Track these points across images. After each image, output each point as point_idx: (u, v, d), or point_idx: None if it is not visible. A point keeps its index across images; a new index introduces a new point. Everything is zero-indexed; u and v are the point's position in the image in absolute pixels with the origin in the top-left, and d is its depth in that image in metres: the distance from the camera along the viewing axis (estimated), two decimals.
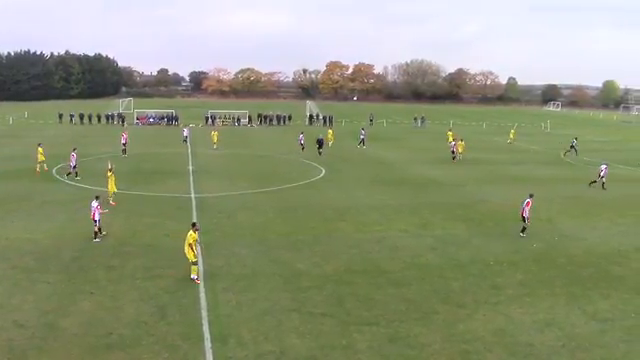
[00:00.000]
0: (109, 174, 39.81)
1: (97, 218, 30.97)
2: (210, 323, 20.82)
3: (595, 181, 50.07)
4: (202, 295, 23.50)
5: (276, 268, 27.04)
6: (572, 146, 74.19)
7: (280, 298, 23.47)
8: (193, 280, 25.01)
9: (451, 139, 74.58)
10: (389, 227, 35.05)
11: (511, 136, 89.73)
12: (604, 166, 50.48)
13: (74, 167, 48.29)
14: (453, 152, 66.71)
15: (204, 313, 21.73)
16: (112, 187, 39.54)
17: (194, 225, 26.22)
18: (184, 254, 25.56)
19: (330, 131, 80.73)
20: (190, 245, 25.31)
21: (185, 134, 78.54)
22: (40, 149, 51.70)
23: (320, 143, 67.21)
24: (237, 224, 35.03)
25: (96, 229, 31.13)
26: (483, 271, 27.46)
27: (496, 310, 22.88)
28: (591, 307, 23.50)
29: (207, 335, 19.84)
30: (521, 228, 33.63)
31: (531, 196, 33.74)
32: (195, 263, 25.38)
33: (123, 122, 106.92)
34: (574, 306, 23.54)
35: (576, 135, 79.74)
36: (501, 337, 20.42)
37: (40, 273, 25.64)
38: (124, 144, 64.24)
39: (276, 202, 41.17)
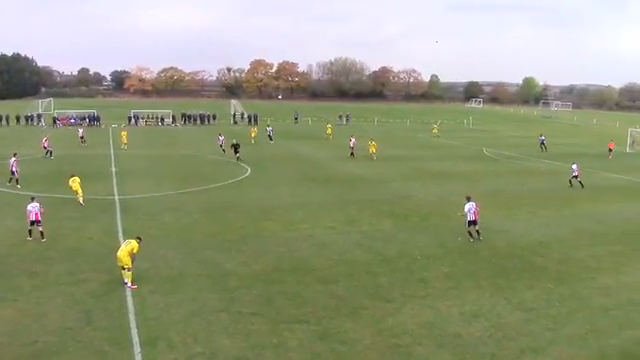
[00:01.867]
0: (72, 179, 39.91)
1: (40, 219, 30.75)
2: (138, 327, 20.47)
3: (575, 180, 50.24)
4: (129, 299, 23.10)
5: (203, 269, 26.80)
6: (542, 143, 76.20)
7: (208, 299, 23.27)
8: (126, 285, 24.29)
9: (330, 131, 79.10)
10: (316, 224, 35.18)
11: (435, 130, 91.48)
12: (575, 166, 50.72)
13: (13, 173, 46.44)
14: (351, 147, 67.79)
15: (131, 317, 21.36)
16: (77, 187, 39.50)
17: (140, 239, 25.62)
18: (117, 259, 24.69)
19: (254, 129, 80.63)
20: (131, 254, 24.62)
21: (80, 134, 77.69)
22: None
23: (236, 147, 62.76)
24: (163, 225, 34.58)
25: (41, 229, 30.76)
26: (410, 265, 27.80)
27: (424, 303, 23.18)
28: (516, 297, 24.05)
29: (135, 339, 19.49)
30: (476, 232, 32.39)
31: (469, 199, 32.97)
32: (130, 269, 24.66)
33: (39, 123, 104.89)
34: (500, 297, 24.05)
35: (541, 132, 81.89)
36: (430, 329, 20.71)
37: None
38: (45, 147, 63.55)
39: (202, 202, 40.83)
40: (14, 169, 46.54)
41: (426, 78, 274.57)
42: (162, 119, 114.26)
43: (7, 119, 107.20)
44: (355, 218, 37.04)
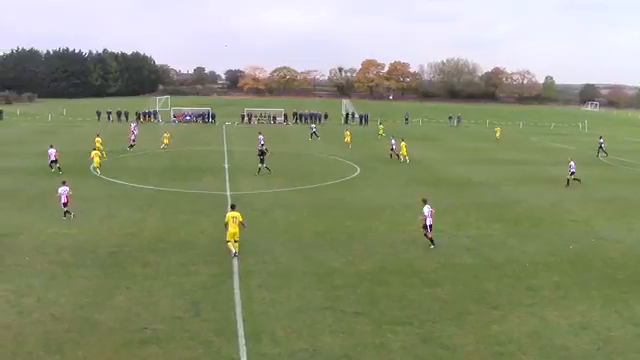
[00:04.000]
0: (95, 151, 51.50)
1: (66, 201, 34.60)
2: (244, 320, 20.87)
3: (575, 179, 49.62)
4: (236, 292, 23.58)
5: (310, 266, 27.06)
6: (600, 147, 73.21)
7: (314, 296, 23.47)
8: (236, 256, 27.45)
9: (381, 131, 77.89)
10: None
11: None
12: (572, 163, 50.20)
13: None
14: (392, 149, 64.31)
15: (238, 310, 21.80)
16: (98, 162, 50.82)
17: (234, 206, 29.30)
18: (232, 235, 27.81)
19: (348, 132, 79.30)
20: (240, 225, 28.12)
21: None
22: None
23: (262, 154, 54.32)
24: (272, 222, 35.13)
25: (65, 210, 34.47)
26: (518, 272, 27.13)
27: (531, 312, 22.58)
28: (628, 311, 23.06)
29: (241, 332, 19.89)
30: (428, 238, 30.82)
31: (425, 201, 31.35)
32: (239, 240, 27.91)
33: (156, 119, 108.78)
34: (610, 309, 23.12)
35: (601, 134, 78.42)
36: (536, 339, 20.15)
37: (77, 268, 25.96)
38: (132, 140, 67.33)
39: (311, 200, 41.21)
40: (53, 158, 50.97)
41: (540, 80, 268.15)
42: (274, 118, 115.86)
43: (126, 115, 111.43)
44: (463, 222, 36.49)
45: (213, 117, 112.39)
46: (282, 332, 19.97)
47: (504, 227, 35.51)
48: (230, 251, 27.76)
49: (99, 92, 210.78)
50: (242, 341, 19.18)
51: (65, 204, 34.74)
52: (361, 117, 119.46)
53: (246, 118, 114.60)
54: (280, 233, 32.66)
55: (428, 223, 30.70)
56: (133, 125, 76.59)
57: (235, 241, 27.99)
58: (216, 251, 28.51)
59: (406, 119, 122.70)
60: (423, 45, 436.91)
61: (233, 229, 27.93)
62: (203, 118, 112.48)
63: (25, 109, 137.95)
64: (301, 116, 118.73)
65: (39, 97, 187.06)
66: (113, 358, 17.98)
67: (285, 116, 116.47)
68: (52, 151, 50.02)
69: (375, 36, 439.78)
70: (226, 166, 56.18)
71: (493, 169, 58.39)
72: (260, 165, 52.27)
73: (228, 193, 42.63)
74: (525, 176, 54.99)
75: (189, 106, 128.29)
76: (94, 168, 51.09)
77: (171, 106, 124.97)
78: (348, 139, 74.47)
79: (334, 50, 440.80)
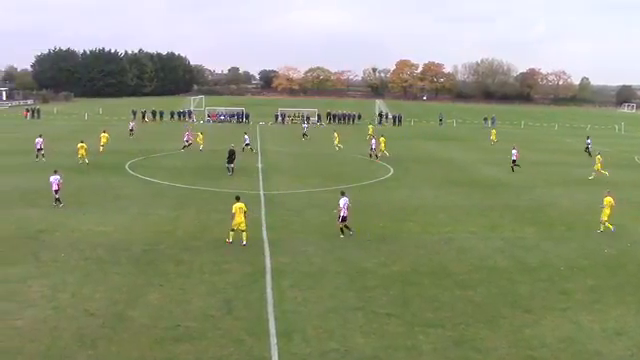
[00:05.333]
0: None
1: (57, 189, 36.98)
2: (276, 319, 20.95)
3: (516, 165, 56.95)
4: (268, 291, 23.68)
5: (342, 266, 27.06)
6: (586, 148, 72.08)
7: (346, 296, 23.47)
8: (244, 245, 29.24)
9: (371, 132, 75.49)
10: (457, 228, 34.68)
11: (336, 141, 78.25)
12: (514, 151, 57.81)
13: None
14: (372, 149, 64.10)
15: (270, 309, 21.88)
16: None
17: (239, 197, 30.51)
18: (237, 225, 29.43)
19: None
20: (246, 215, 29.64)
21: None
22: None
23: (230, 155, 51.57)
24: (305, 222, 35.21)
25: (57, 196, 36.98)
26: (552, 276, 26.83)
27: (564, 316, 22.32)
28: None
29: (272, 331, 19.97)
30: (341, 229, 32.06)
31: (343, 193, 32.92)
32: (246, 230, 29.51)
33: (190, 119, 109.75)
34: None
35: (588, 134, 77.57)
36: (569, 344, 19.90)
37: (111, 265, 26.28)
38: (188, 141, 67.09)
39: None
40: (39, 146, 55.84)
41: (576, 81, 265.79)
42: (308, 118, 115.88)
43: (161, 115, 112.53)
44: (497, 224, 36.23)
45: (247, 117, 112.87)
46: (313, 332, 20.01)
47: (538, 230, 35.16)
48: (228, 239, 29.87)
49: (134, 92, 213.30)
50: (273, 340, 19.25)
51: (56, 191, 36.96)
52: (394, 117, 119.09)
53: (279, 118, 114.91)
54: (313, 233, 32.70)
55: (342, 214, 31.85)
56: (186, 127, 77.22)
57: (242, 230, 29.57)
58: (249, 250, 28.69)
59: (440, 120, 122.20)
60: (457, 45, 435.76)
61: (239, 219, 29.40)
62: (237, 118, 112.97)
63: (62, 108, 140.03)
64: (334, 116, 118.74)
65: (75, 96, 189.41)
66: (146, 355, 18.15)
67: (319, 116, 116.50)
68: (39, 140, 53.67)
69: (409, 36, 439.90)
70: (260, 166, 56.39)
71: (527, 171, 57.76)
72: (228, 165, 51.09)
73: (262, 192, 42.78)
74: (560, 178, 54.34)
75: (223, 106, 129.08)
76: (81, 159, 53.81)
77: (205, 106, 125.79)
78: (336, 141, 72.71)
79: (368, 50, 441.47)
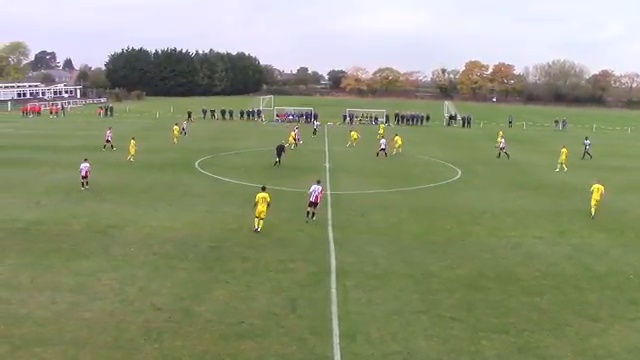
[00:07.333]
0: (133, 142, 55.26)
1: (88, 175, 41.15)
2: (339, 319, 20.91)
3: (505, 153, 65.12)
4: (333, 291, 23.67)
5: (407, 268, 26.88)
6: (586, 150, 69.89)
7: (410, 299, 23.31)
8: (257, 231, 31.28)
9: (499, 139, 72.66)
10: (524, 233, 34.05)
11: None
12: (502, 139, 68.42)
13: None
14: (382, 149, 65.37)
15: (334, 309, 21.86)
16: (132, 150, 54.78)
17: (264, 187, 32.55)
18: (259, 213, 31.32)
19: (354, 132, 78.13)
20: (269, 203, 31.47)
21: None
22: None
23: (279, 151, 55.95)
24: (371, 222, 35.13)
25: (84, 182, 40.98)
26: (621, 284, 26.05)
27: (633, 327, 21.61)
28: None
29: (336, 331, 19.93)
30: (310, 214, 34.36)
31: (318, 182, 35.57)
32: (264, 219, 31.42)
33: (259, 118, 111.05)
34: None
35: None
36: (636, 355, 19.29)
37: (179, 260, 26.68)
38: (296, 140, 70.22)
39: (411, 202, 40.97)
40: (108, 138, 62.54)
41: None
42: (376, 118, 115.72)
43: (231, 114, 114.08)
44: (565, 229, 35.43)
45: (315, 117, 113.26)
46: (377, 333, 19.91)
47: (608, 236, 34.25)
48: (256, 227, 31.56)
49: (205, 91, 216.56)
50: (336, 340, 19.23)
51: (84, 177, 41.08)
52: (464, 119, 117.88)
53: (348, 119, 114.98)
54: (379, 234, 32.57)
55: (310, 199, 34.17)
56: (296, 128, 78.43)
57: (261, 219, 31.48)
58: (314, 249, 28.80)
59: (509, 122, 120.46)
60: (528, 46, 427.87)
61: (261, 207, 31.26)
62: (305, 118, 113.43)
63: (134, 106, 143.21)
64: (402, 117, 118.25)
65: (147, 95, 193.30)
66: (210, 349, 18.34)
67: (387, 117, 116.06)
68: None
69: (479, 37, 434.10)
70: (327, 165, 56.55)
71: (598, 175, 55.99)
72: (278, 160, 55.38)
73: (329, 192, 42.70)
74: (632, 184, 52.76)
75: (292, 106, 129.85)
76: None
77: (274, 105, 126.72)
78: (354, 137, 74.69)
79: (437, 51, 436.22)
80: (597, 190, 38.30)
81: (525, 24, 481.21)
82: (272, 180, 45.64)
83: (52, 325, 19.61)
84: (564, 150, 58.84)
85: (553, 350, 19.40)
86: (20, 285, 23.19)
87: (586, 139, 72.43)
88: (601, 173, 55.83)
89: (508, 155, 65.34)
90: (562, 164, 58.40)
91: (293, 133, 70.94)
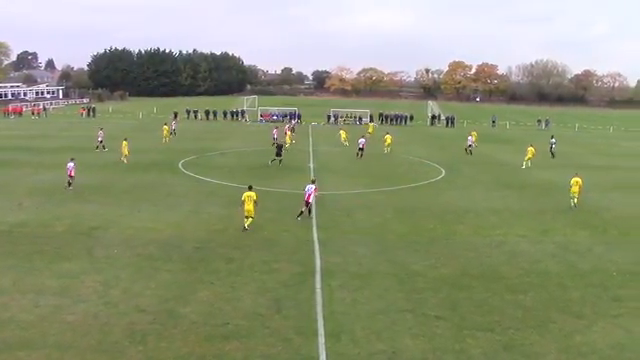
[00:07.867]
0: (125, 142, 54.96)
1: (73, 175, 41.37)
2: (324, 319, 20.93)
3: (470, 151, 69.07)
4: (318, 291, 23.68)
5: (392, 268, 26.93)
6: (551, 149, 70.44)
7: (395, 298, 23.37)
8: (246, 230, 31.44)
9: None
10: (508, 232, 34.20)
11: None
12: (470, 137, 71.76)
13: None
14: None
15: (319, 309, 21.88)
16: (125, 151, 54.39)
17: (251, 187, 32.93)
18: (246, 212, 31.58)
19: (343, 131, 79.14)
20: (255, 203, 31.78)
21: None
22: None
23: (279, 150, 56.45)
24: (355, 222, 35.17)
25: (70, 181, 41.26)
26: (604, 282, 26.25)
27: (616, 323, 21.80)
28: None
29: (321, 331, 19.95)
30: (299, 212, 35.03)
31: (313, 182, 36.88)
32: (253, 217, 31.83)
33: (243, 119, 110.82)
34: None
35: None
36: (620, 351, 19.46)
37: (162, 262, 26.58)
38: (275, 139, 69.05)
39: (395, 202, 41.05)
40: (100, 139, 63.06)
41: (632, 83, 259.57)
42: (360, 118, 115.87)
43: (215, 114, 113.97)
44: (549, 227, 35.62)
45: (299, 117, 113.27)
46: (362, 333, 19.96)
47: (591, 234, 34.49)
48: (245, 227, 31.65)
49: (188, 91, 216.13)
50: (322, 340, 19.25)
51: (70, 176, 41.30)
52: (447, 119, 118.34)
53: (332, 119, 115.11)
54: (363, 234, 32.62)
55: (305, 198, 35.17)
56: (287, 127, 79.79)
57: (249, 217, 31.80)
58: (299, 250, 28.82)
59: (493, 122, 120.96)
60: (512, 46, 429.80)
61: (248, 206, 31.60)
62: (290, 118, 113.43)
63: (117, 107, 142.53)
64: (386, 117, 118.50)
65: (130, 95, 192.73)
66: (195, 351, 18.31)
67: (371, 117, 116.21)
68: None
69: (462, 37, 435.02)
70: (311, 165, 56.56)
71: (581, 174, 56.80)
72: (278, 158, 55.61)
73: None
74: (614, 182, 53.19)
75: (276, 106, 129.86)
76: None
77: (258, 106, 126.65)
78: (344, 137, 75.83)
79: (421, 51, 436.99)
80: (576, 183, 40.68)
81: (509, 24, 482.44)
82: (257, 180, 45.42)
83: (35, 328, 19.50)
84: (531, 149, 61.16)
85: (538, 347, 19.54)
86: (2, 288, 23.02)
87: (552, 137, 73.51)
88: (584, 172, 56.16)
89: (471, 152, 69.68)
90: (528, 161, 60.90)
91: (289, 133, 71.47)
